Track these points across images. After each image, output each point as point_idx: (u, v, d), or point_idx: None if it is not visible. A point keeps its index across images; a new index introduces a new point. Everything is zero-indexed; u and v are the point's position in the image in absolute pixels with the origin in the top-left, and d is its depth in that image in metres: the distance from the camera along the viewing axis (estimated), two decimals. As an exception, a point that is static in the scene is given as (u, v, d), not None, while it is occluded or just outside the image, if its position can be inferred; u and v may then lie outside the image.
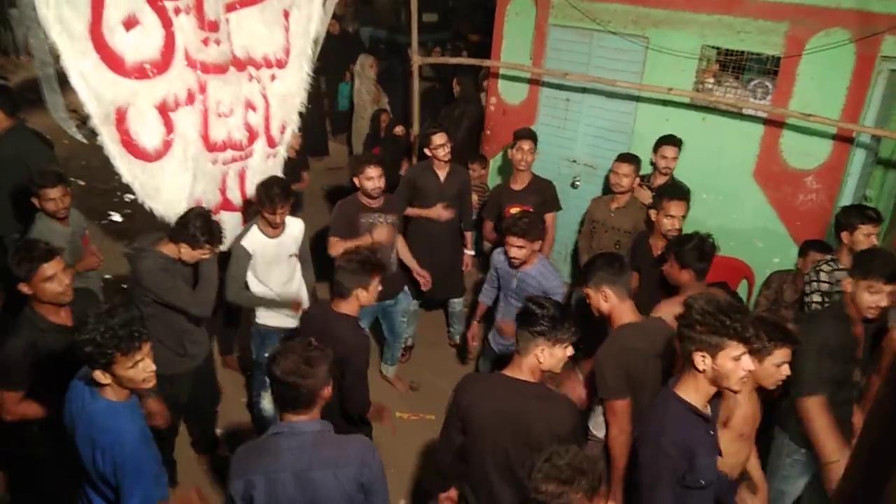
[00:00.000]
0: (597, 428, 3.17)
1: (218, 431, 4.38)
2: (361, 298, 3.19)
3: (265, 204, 3.81)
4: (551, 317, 2.52)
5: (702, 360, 2.27)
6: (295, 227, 4.09)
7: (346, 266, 3.17)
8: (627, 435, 2.87)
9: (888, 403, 0.78)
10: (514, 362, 2.64)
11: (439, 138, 4.74)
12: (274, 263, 3.98)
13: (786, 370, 2.68)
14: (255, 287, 4.01)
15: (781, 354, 2.66)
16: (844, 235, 3.68)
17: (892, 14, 4.14)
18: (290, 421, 2.28)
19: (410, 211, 4.95)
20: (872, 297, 3.00)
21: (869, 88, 4.40)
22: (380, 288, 3.25)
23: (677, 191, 4.14)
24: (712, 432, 2.41)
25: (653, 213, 4.07)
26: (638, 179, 4.58)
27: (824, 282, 3.63)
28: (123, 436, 2.33)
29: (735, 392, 2.40)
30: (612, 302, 3.00)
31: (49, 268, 2.88)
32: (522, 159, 4.77)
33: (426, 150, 4.85)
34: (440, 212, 4.87)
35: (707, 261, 3.37)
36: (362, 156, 4.49)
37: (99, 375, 2.31)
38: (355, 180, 4.34)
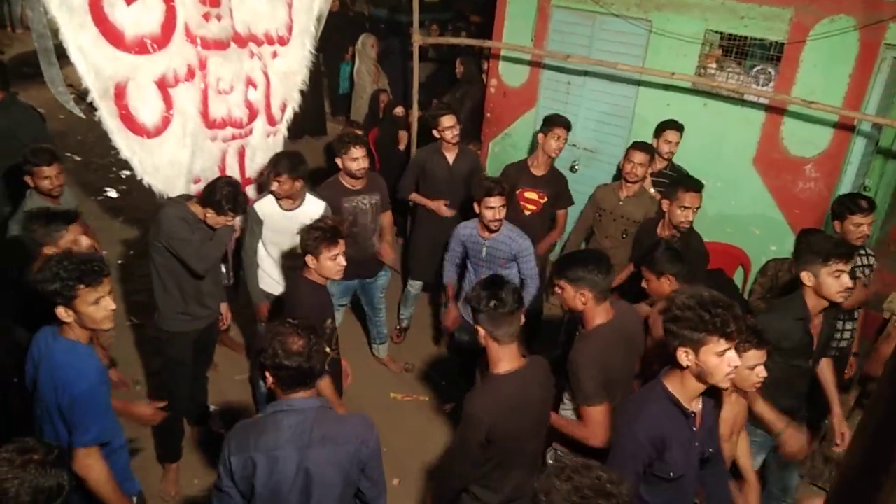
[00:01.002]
0: (566, 412, 3.18)
1: (212, 407, 4.40)
2: (310, 265, 3.22)
3: (269, 170, 3.85)
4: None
5: (685, 356, 2.23)
6: (313, 208, 4.01)
7: (303, 231, 3.24)
8: (599, 440, 2.79)
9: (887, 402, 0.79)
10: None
11: (448, 120, 4.69)
12: (280, 234, 3.95)
13: (761, 371, 2.62)
14: (261, 253, 4.04)
15: (752, 356, 2.60)
16: (836, 224, 3.67)
17: (898, 1, 4.13)
18: (291, 398, 2.27)
19: (415, 197, 4.92)
20: (840, 281, 2.96)
21: (872, 76, 4.38)
22: (336, 264, 3.23)
23: (693, 182, 4.04)
24: (694, 428, 2.36)
25: (665, 202, 4.00)
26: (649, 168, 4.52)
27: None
28: (82, 372, 2.42)
29: (724, 389, 2.36)
30: (589, 305, 2.87)
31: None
32: (557, 147, 4.65)
33: (434, 132, 4.81)
34: (441, 208, 4.85)
35: (681, 261, 3.27)
36: (345, 135, 4.38)
37: (62, 312, 2.40)
38: (338, 161, 4.23)
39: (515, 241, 3.98)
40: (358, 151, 4.16)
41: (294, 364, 2.20)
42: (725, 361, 2.18)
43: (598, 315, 2.88)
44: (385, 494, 2.47)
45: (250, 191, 4.32)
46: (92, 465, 2.43)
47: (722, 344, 2.17)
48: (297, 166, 3.83)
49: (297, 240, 3.97)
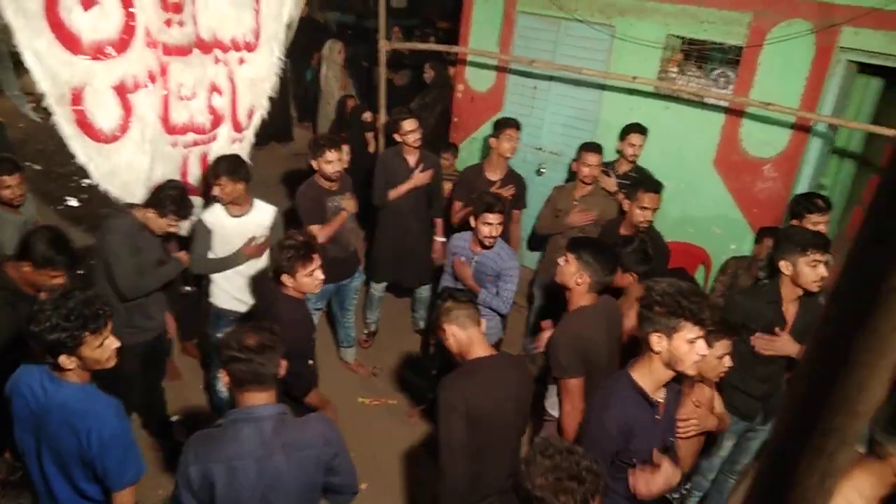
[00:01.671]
0: (552, 407, 3.21)
1: (175, 417, 4.34)
2: (287, 283, 3.12)
3: (210, 176, 3.79)
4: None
5: (658, 342, 2.31)
6: (264, 213, 3.99)
7: (276, 249, 3.14)
8: (579, 412, 2.90)
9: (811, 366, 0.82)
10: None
11: (409, 124, 4.69)
12: (232, 244, 3.90)
13: (727, 361, 2.76)
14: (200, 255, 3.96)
15: (722, 346, 2.73)
16: (794, 223, 3.78)
17: (851, 5, 4.24)
18: (248, 406, 2.23)
19: (394, 193, 4.81)
20: (816, 271, 3.09)
21: (827, 78, 4.51)
22: (314, 279, 3.15)
23: (653, 183, 4.16)
24: (658, 417, 2.44)
25: (626, 203, 4.09)
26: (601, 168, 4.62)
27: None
28: (105, 414, 2.29)
29: (690, 376, 2.45)
30: (582, 288, 3.00)
31: None
32: (511, 147, 4.72)
33: (396, 136, 4.82)
34: (418, 176, 4.80)
35: (649, 263, 3.39)
36: (320, 138, 4.38)
37: (65, 361, 2.24)
38: (314, 163, 4.24)
39: (504, 259, 3.97)
40: (333, 154, 4.18)
41: (245, 356, 2.17)
42: (695, 349, 2.29)
43: (584, 300, 3.01)
44: (356, 477, 2.47)
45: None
46: (128, 500, 2.36)
47: (695, 331, 2.27)
48: (237, 168, 3.78)
49: None
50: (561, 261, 3.06)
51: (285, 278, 3.12)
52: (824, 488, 0.88)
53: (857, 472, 2.05)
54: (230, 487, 2.16)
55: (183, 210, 3.44)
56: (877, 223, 0.72)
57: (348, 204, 4.34)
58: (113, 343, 2.34)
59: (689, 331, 2.27)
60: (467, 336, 2.63)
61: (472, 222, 3.94)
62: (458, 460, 2.55)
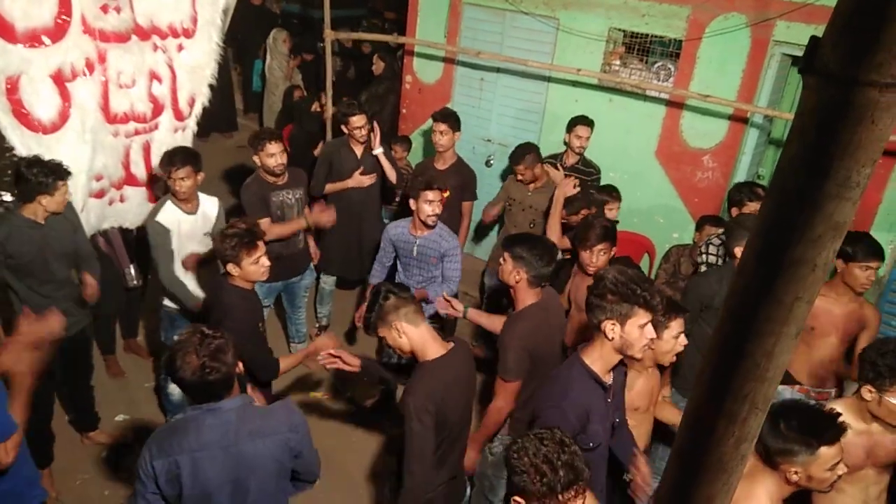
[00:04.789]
0: None
1: (121, 417, 4.26)
2: (233, 272, 3.08)
3: (165, 169, 3.67)
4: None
5: (612, 329, 2.37)
6: (209, 206, 3.93)
7: (217, 239, 3.10)
8: (508, 411, 3.04)
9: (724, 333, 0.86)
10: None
11: (358, 120, 4.66)
12: (188, 241, 3.83)
13: (683, 340, 2.84)
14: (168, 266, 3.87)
15: (677, 325, 2.82)
16: (734, 211, 3.92)
17: (784, 0, 4.40)
18: (210, 404, 2.22)
19: (330, 187, 4.83)
20: None
21: (763, 71, 4.66)
22: (260, 266, 3.10)
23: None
24: (609, 400, 2.52)
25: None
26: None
27: (712, 254, 3.89)
28: None
29: (637, 360, 2.53)
30: (522, 285, 3.03)
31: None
32: (437, 141, 4.78)
33: (344, 129, 4.78)
34: (359, 178, 4.78)
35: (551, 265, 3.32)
36: (261, 132, 4.31)
37: None
38: (255, 158, 4.17)
39: (445, 239, 4.02)
40: (274, 147, 4.11)
41: (193, 381, 2.15)
42: (645, 334, 2.36)
43: (529, 296, 3.04)
44: (318, 463, 2.48)
45: (157, 188, 4.19)
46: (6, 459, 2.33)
47: (646, 316, 2.36)
48: (196, 159, 3.72)
49: (205, 242, 3.88)
50: (500, 262, 3.10)
51: (231, 268, 3.07)
52: (739, 452, 0.93)
53: (755, 474, 2.18)
54: (196, 478, 2.16)
55: (59, 170, 3.30)
56: (778, 200, 0.77)
57: (326, 218, 4.29)
58: None
59: (642, 317, 2.35)
60: (419, 334, 2.58)
61: (413, 205, 3.95)
62: (428, 468, 2.55)
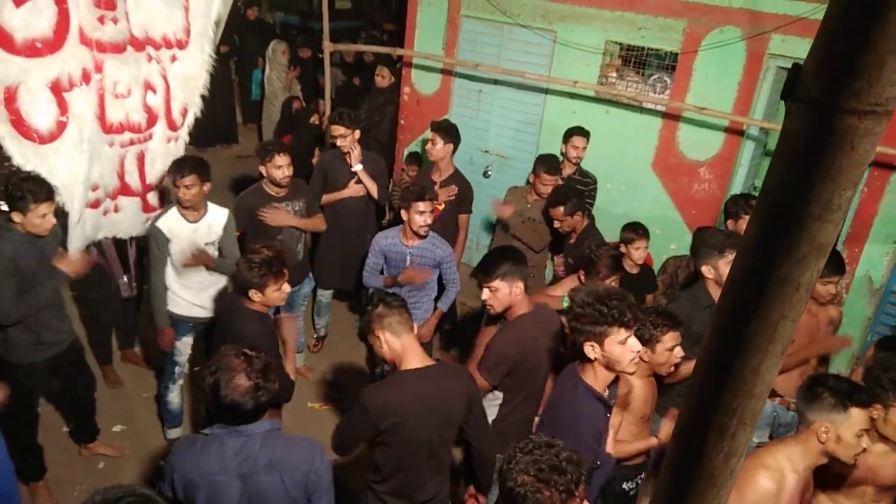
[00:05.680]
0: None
1: (118, 428, 4.25)
2: (255, 299, 3.04)
3: (172, 177, 3.68)
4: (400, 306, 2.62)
5: (591, 350, 2.38)
6: (217, 216, 3.91)
7: (242, 265, 3.03)
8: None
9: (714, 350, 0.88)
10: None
11: (336, 129, 4.63)
12: (185, 251, 3.82)
13: (679, 352, 2.85)
14: (168, 273, 3.88)
15: (670, 338, 2.83)
16: (730, 223, 3.93)
17: (779, 14, 4.43)
18: (241, 426, 2.18)
19: (327, 198, 4.82)
20: None
21: (758, 83, 4.70)
22: (282, 292, 3.09)
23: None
24: (608, 415, 2.53)
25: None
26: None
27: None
28: None
29: (630, 374, 2.52)
30: (521, 294, 3.02)
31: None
32: (429, 150, 4.76)
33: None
34: (355, 187, 4.77)
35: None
36: (269, 143, 4.34)
37: None
38: (262, 169, 4.20)
39: (439, 247, 4.03)
40: (282, 159, 4.15)
41: (231, 404, 2.11)
42: (628, 348, 2.35)
43: (521, 306, 3.03)
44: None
45: (151, 198, 4.19)
46: None
47: (622, 333, 2.34)
48: (205, 169, 3.72)
49: (209, 251, 3.89)
50: (488, 294, 2.99)
51: (253, 293, 3.02)
52: (728, 466, 0.94)
53: (787, 441, 2.35)
54: (211, 502, 2.14)
55: (40, 191, 3.23)
56: (764, 221, 0.78)
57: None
58: None
59: (618, 333, 2.33)
60: (401, 344, 2.56)
61: (404, 215, 3.95)
62: (344, 447, 2.67)
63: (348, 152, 4.70)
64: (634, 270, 4.17)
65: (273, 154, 4.15)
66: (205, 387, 2.15)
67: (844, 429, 2.21)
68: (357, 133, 4.69)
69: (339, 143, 4.65)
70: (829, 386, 2.27)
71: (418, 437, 2.56)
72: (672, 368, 2.93)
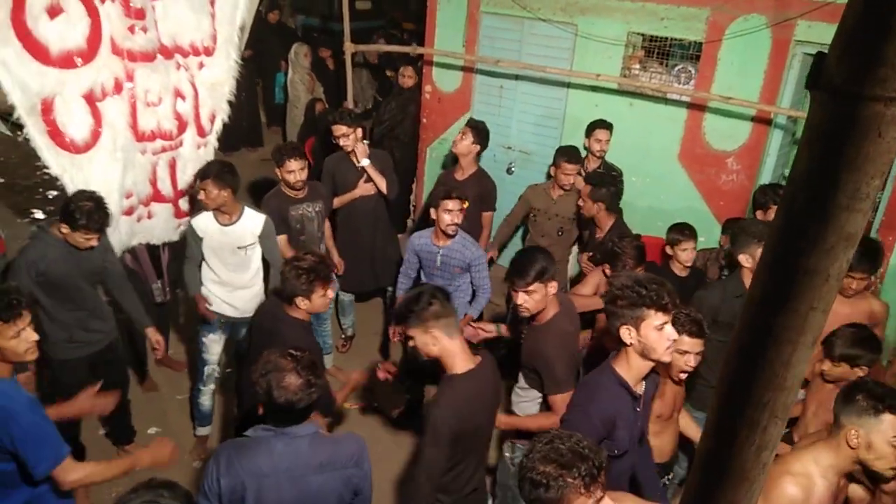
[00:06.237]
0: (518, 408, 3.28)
1: (153, 430, 4.33)
2: (301, 306, 3.05)
3: (197, 179, 3.80)
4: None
5: (627, 334, 2.37)
6: (253, 222, 3.95)
7: (288, 273, 3.02)
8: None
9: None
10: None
11: (337, 129, 4.64)
12: (219, 251, 3.91)
13: (690, 360, 2.80)
14: (204, 272, 4.00)
15: (686, 343, 2.75)
16: (759, 214, 3.88)
17: (805, 0, 4.36)
18: (286, 427, 2.22)
19: (338, 201, 4.84)
20: None
21: (784, 71, 4.62)
22: (327, 298, 3.11)
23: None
24: (638, 409, 2.51)
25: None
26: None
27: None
28: (13, 408, 2.34)
29: (665, 363, 2.49)
30: (553, 293, 3.00)
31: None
32: (455, 142, 4.76)
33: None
34: (364, 187, 4.78)
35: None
36: (283, 147, 4.38)
37: None
38: (277, 172, 4.27)
39: (469, 249, 4.03)
40: (295, 164, 4.20)
41: (286, 403, 2.14)
42: (664, 335, 2.34)
43: (552, 305, 3.02)
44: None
45: (183, 204, 4.27)
46: (69, 477, 2.44)
47: (660, 317, 2.33)
48: (224, 174, 3.77)
49: (238, 255, 3.94)
50: (524, 297, 2.93)
51: (299, 301, 3.03)
52: (760, 460, 0.94)
53: (816, 444, 2.28)
54: (261, 502, 2.16)
55: (94, 223, 3.29)
56: (790, 211, 0.78)
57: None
58: (31, 336, 2.42)
59: (655, 317, 2.33)
60: (454, 346, 2.55)
61: (433, 214, 3.96)
62: (435, 483, 2.54)
63: (352, 151, 4.70)
64: (683, 273, 4.00)
65: (285, 159, 4.21)
66: (258, 391, 2.17)
67: (876, 434, 2.12)
68: (359, 131, 4.69)
69: (341, 142, 4.66)
70: (865, 389, 2.20)
71: (479, 436, 2.63)
72: (682, 375, 2.89)
